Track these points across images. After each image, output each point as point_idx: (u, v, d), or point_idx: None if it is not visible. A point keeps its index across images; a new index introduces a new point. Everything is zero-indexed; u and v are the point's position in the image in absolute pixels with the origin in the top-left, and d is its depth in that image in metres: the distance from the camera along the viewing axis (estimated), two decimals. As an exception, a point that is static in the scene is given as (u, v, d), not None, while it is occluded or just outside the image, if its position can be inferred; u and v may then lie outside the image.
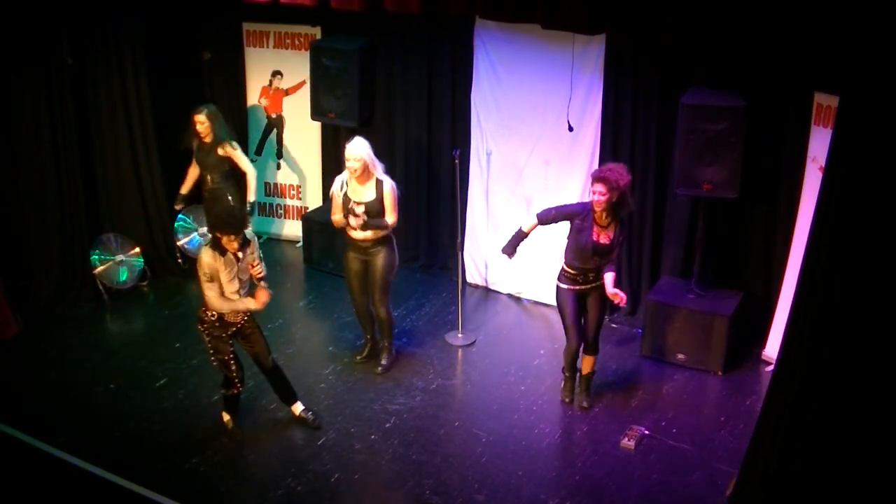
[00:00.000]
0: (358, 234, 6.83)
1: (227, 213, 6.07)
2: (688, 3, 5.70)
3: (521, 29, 7.35)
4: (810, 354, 4.88)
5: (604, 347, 7.54)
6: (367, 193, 6.78)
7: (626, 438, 6.39)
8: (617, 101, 7.51)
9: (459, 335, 7.72)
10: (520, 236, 6.55)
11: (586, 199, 6.54)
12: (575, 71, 7.39)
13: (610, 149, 7.63)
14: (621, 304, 6.52)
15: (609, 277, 6.37)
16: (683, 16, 5.73)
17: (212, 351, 6.19)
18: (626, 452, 6.32)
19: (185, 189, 8.44)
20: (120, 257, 8.37)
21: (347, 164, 6.73)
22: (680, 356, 7.28)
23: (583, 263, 6.37)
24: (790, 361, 5.05)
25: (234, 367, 6.21)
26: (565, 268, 6.49)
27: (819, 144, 6.57)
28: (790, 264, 6.91)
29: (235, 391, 6.31)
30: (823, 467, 4.88)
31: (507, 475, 6.09)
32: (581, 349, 6.68)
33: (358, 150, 6.73)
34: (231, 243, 5.86)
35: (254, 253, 6.08)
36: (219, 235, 5.86)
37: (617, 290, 6.36)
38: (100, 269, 8.29)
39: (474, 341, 7.70)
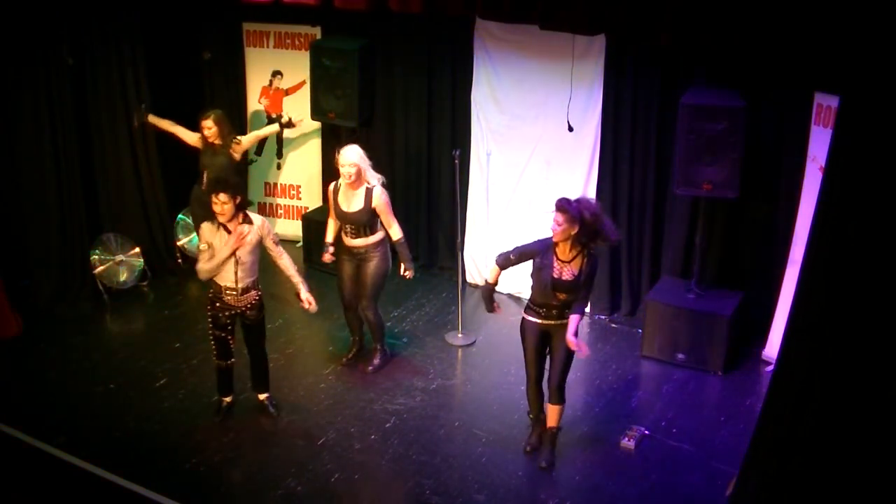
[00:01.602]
0: (347, 241, 6.91)
1: (217, 175, 6.28)
2: (688, 3, 5.70)
3: (522, 29, 7.36)
4: (810, 354, 4.88)
5: (604, 347, 7.56)
6: (355, 202, 6.80)
7: (626, 438, 6.39)
8: (617, 101, 7.51)
9: (459, 335, 7.72)
10: (489, 289, 6.13)
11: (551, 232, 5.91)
12: (575, 71, 7.40)
13: (610, 149, 7.64)
14: (580, 355, 6.03)
15: (572, 321, 5.83)
16: (683, 16, 5.73)
17: (210, 323, 6.32)
18: (626, 452, 6.32)
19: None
20: (120, 257, 8.38)
21: (342, 170, 6.75)
22: (680, 356, 7.28)
23: (545, 300, 5.91)
24: (790, 361, 5.05)
25: (230, 342, 6.32)
26: (529, 302, 6.06)
27: (819, 144, 6.57)
28: (790, 264, 6.91)
29: (228, 362, 6.44)
30: (823, 467, 4.88)
31: (507, 475, 6.09)
32: (546, 396, 6.20)
33: (352, 156, 6.75)
34: (215, 205, 5.98)
35: (268, 237, 6.25)
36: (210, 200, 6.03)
37: (575, 340, 5.81)
38: (100, 269, 8.29)
39: (474, 341, 7.70)
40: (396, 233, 6.90)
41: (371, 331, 7.24)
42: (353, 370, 7.24)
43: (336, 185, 6.91)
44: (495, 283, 6.15)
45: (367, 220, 6.81)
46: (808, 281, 4.94)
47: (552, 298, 5.91)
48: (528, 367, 6.18)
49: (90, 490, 6.02)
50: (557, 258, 5.84)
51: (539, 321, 6.01)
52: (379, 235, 6.91)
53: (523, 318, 6.11)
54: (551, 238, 5.84)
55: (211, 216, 6.12)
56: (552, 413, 6.16)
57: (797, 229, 6.88)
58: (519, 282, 8.29)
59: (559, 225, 5.73)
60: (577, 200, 5.78)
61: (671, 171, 7.18)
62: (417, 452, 6.31)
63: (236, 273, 6.12)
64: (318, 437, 6.45)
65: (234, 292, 6.18)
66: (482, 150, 8.24)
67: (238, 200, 6.06)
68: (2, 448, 6.33)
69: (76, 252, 8.15)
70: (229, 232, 6.07)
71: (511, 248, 6.01)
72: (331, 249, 7.07)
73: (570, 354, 5.99)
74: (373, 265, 6.93)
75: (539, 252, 5.90)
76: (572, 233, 5.74)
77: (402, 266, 7.01)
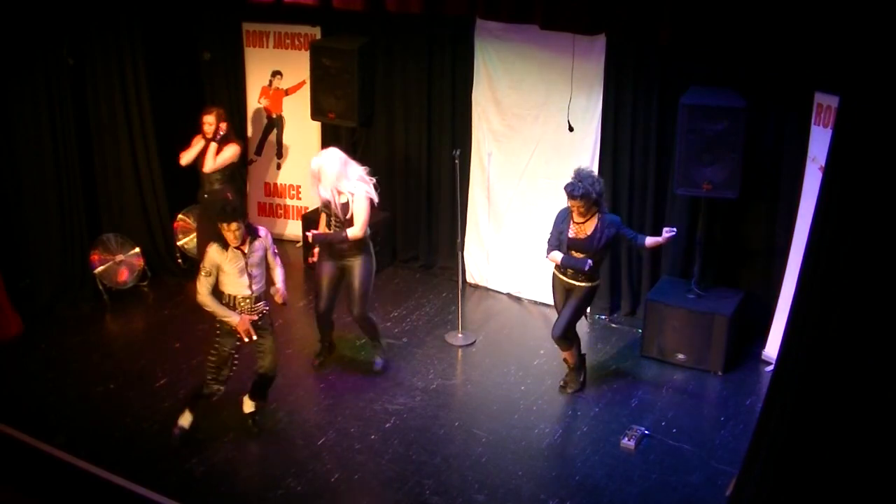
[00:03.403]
0: None
1: (222, 202, 6.06)
2: (688, 3, 5.70)
3: (522, 29, 7.35)
4: (810, 354, 4.88)
5: (604, 347, 7.57)
6: (339, 197, 6.71)
7: (626, 438, 6.40)
8: (617, 101, 7.51)
9: (459, 335, 7.72)
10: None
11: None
12: (575, 71, 7.40)
13: (610, 149, 7.63)
14: (667, 236, 6.59)
15: (650, 239, 6.63)
16: (683, 15, 5.73)
17: (216, 345, 6.18)
18: (626, 452, 6.32)
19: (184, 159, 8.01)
20: (120, 257, 8.38)
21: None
22: (680, 356, 7.29)
23: (564, 261, 6.59)
24: (790, 361, 5.05)
25: (225, 367, 6.19)
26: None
27: (819, 144, 6.57)
28: (790, 264, 6.91)
29: (216, 390, 6.23)
30: (823, 467, 4.88)
31: (507, 475, 6.09)
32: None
33: (314, 163, 6.67)
34: (228, 233, 5.92)
35: (269, 250, 6.18)
36: (219, 227, 5.94)
37: (658, 239, 6.60)
38: (100, 269, 8.29)
39: (474, 341, 7.70)
40: (354, 230, 6.67)
41: (368, 335, 7.19)
42: (353, 370, 7.24)
43: None
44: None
45: (347, 217, 6.68)
46: (808, 281, 4.94)
47: (570, 258, 6.56)
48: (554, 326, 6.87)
49: (90, 490, 6.02)
50: (573, 221, 6.55)
51: (564, 279, 6.70)
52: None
53: (553, 275, 6.82)
54: (567, 207, 6.54)
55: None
56: (567, 357, 6.94)
57: (797, 229, 6.88)
58: (518, 282, 8.32)
59: (581, 208, 6.42)
60: (580, 180, 6.39)
61: (671, 171, 7.18)
62: (417, 452, 6.31)
63: (250, 285, 6.10)
64: (318, 437, 6.45)
65: (249, 301, 6.12)
66: (483, 150, 8.24)
67: (246, 222, 6.04)
68: (2, 448, 6.33)
69: (76, 252, 8.15)
70: (245, 254, 6.03)
71: (550, 232, 6.69)
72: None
73: (577, 311, 6.74)
74: (357, 268, 6.82)
75: (561, 220, 6.64)
76: (589, 199, 6.41)
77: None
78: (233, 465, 6.22)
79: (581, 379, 6.98)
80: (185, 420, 6.36)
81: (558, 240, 6.61)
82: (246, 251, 6.04)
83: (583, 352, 7.03)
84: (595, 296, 6.90)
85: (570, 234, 6.54)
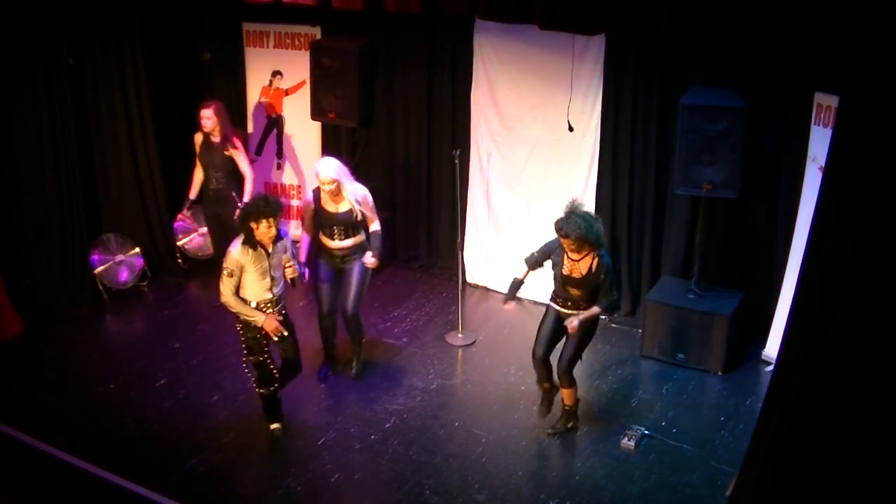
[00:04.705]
0: (334, 244, 6.82)
1: (262, 198, 6.03)
2: (688, 3, 5.70)
3: (522, 29, 7.35)
4: (810, 354, 4.88)
5: (604, 347, 7.56)
6: (342, 204, 6.76)
7: (626, 438, 6.40)
8: (617, 101, 7.51)
9: (459, 335, 7.72)
10: (517, 284, 6.47)
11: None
12: (575, 71, 7.40)
13: (610, 149, 7.64)
14: (568, 330, 6.21)
15: (588, 310, 6.15)
16: (683, 15, 5.73)
17: (245, 351, 6.16)
18: (626, 452, 6.32)
19: (193, 193, 8.24)
20: (120, 257, 8.38)
21: (323, 187, 6.69)
22: (680, 356, 7.29)
23: (561, 293, 6.25)
24: (790, 361, 5.05)
25: (271, 367, 6.18)
26: (553, 292, 6.36)
27: (819, 144, 6.57)
28: (790, 264, 6.91)
29: (272, 388, 6.25)
30: (823, 467, 4.88)
31: (507, 475, 6.10)
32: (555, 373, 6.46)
33: (328, 173, 6.66)
34: (268, 231, 5.85)
35: (287, 251, 6.13)
36: (254, 225, 5.85)
37: (574, 323, 6.09)
38: (100, 269, 8.29)
39: (474, 341, 7.70)
40: (377, 225, 6.91)
41: (354, 336, 7.13)
42: (352, 370, 7.23)
43: (317, 191, 6.82)
44: (523, 280, 6.49)
45: (352, 221, 6.76)
46: (807, 281, 4.93)
47: (566, 292, 6.22)
48: (535, 346, 6.37)
49: (90, 490, 6.02)
50: (568, 256, 6.11)
51: (559, 309, 6.30)
52: (363, 236, 6.89)
53: (548, 304, 6.40)
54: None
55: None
56: (564, 395, 6.46)
57: (797, 229, 6.87)
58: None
59: (571, 244, 5.95)
60: (567, 219, 5.92)
61: (671, 171, 7.18)
62: (417, 452, 6.31)
63: (271, 287, 6.07)
64: (318, 437, 6.46)
65: (270, 304, 6.09)
66: (482, 151, 8.24)
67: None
68: (2, 448, 6.33)
69: (76, 252, 8.15)
70: (269, 254, 5.99)
71: (537, 249, 6.33)
72: None
73: (581, 343, 6.30)
74: (355, 268, 6.85)
75: (554, 249, 6.20)
76: (584, 242, 5.95)
77: (370, 253, 6.84)
78: (233, 465, 6.22)
79: (570, 424, 6.50)
80: (276, 427, 6.39)
81: (538, 262, 6.29)
82: (270, 251, 6.00)
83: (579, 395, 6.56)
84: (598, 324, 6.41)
85: (565, 272, 6.12)
